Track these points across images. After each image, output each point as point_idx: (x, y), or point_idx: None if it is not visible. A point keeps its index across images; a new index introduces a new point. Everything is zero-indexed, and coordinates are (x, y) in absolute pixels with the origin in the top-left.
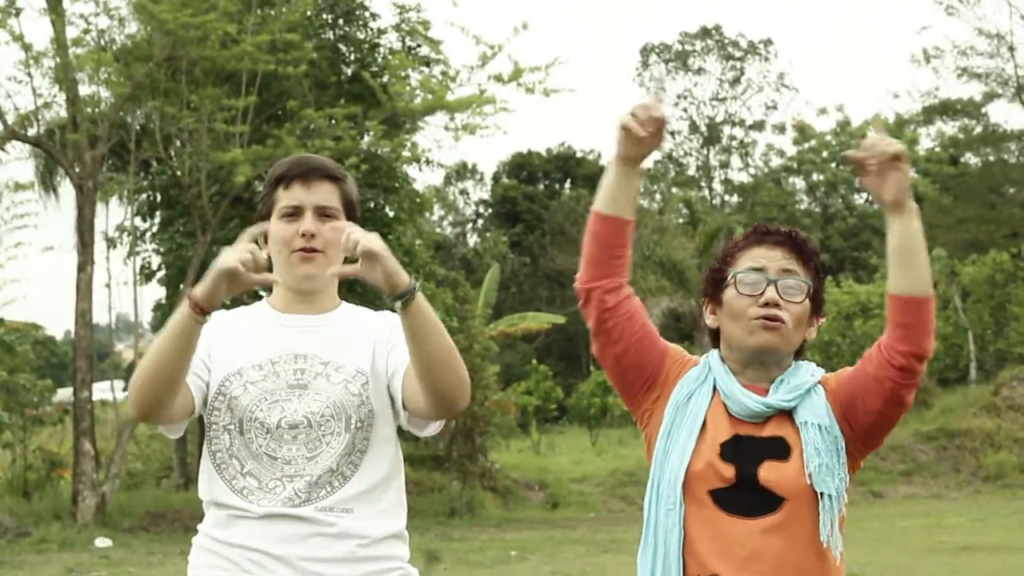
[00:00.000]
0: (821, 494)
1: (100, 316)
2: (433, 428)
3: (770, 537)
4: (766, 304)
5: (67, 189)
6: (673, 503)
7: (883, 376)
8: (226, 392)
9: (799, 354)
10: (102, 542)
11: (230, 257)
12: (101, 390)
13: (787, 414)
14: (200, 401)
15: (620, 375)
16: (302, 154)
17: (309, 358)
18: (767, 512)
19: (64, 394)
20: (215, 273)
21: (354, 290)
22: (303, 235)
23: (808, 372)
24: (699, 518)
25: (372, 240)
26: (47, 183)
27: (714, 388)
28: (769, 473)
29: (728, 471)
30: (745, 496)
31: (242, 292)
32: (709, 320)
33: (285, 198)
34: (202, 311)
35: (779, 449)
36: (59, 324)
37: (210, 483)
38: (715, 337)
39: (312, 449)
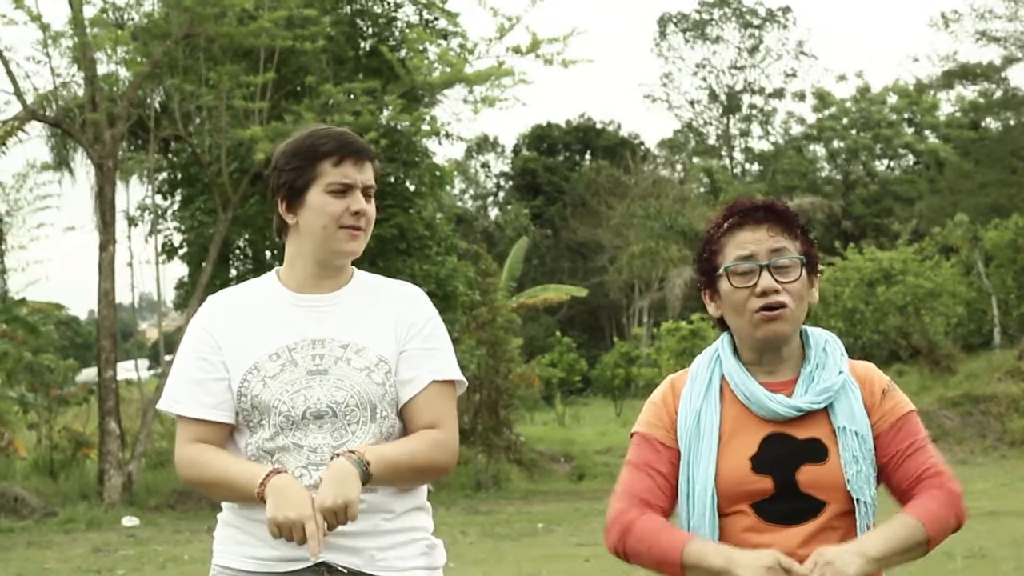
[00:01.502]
0: (858, 500)
1: (123, 295)
2: None
3: (814, 542)
4: (763, 293)
5: (82, 168)
6: (709, 536)
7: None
8: (247, 392)
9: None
10: (129, 521)
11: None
12: (126, 369)
13: (818, 412)
14: (234, 409)
15: None
16: (338, 129)
17: (327, 342)
18: (810, 518)
19: (88, 374)
20: (284, 516)
21: (376, 264)
22: (355, 213)
23: (835, 366)
24: (739, 533)
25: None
26: (63, 162)
27: (721, 390)
28: (808, 478)
29: (765, 483)
30: (787, 504)
31: None
32: (711, 309)
33: (335, 174)
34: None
35: (816, 452)
36: (82, 304)
37: None
38: (723, 323)
39: (338, 438)
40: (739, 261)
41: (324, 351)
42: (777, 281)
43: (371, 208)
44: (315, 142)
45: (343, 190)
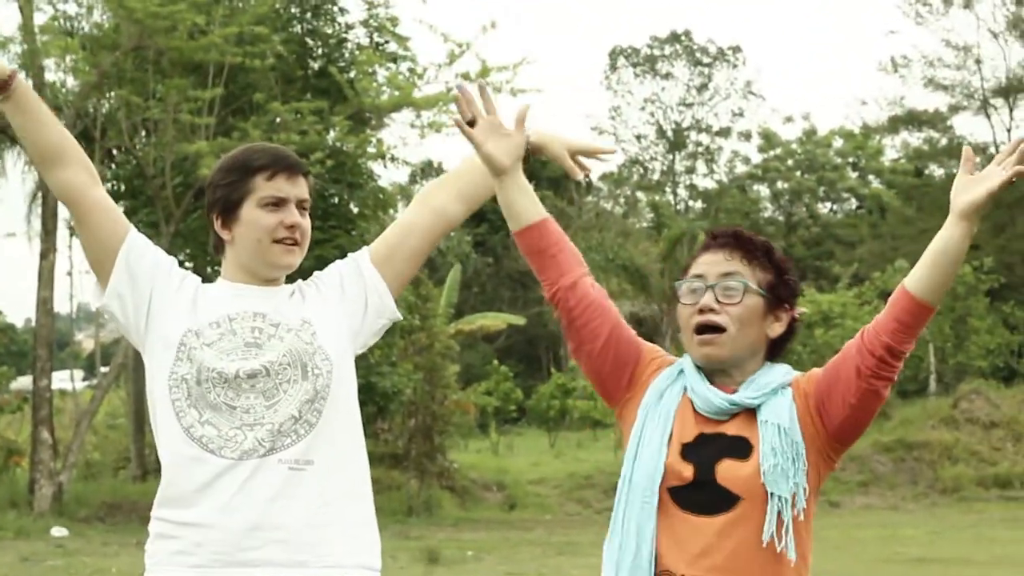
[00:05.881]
0: (771, 494)
1: (61, 304)
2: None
3: (725, 535)
4: (701, 311)
5: (16, 175)
6: (649, 498)
7: (861, 365)
8: (186, 344)
9: (776, 351)
10: (58, 531)
11: None
12: (60, 379)
13: (753, 414)
14: (116, 227)
15: (596, 372)
16: (271, 145)
17: (266, 317)
18: (723, 511)
19: (23, 382)
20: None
21: None
22: (290, 226)
23: (781, 372)
24: (657, 515)
25: None
26: None
27: (684, 388)
28: (726, 472)
29: (687, 470)
30: (702, 494)
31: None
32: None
33: (268, 188)
34: None
35: (740, 448)
36: (19, 312)
37: (167, 437)
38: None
39: (270, 397)
40: (691, 279)
41: (263, 325)
42: (719, 302)
43: (305, 222)
44: (249, 157)
45: (276, 203)
